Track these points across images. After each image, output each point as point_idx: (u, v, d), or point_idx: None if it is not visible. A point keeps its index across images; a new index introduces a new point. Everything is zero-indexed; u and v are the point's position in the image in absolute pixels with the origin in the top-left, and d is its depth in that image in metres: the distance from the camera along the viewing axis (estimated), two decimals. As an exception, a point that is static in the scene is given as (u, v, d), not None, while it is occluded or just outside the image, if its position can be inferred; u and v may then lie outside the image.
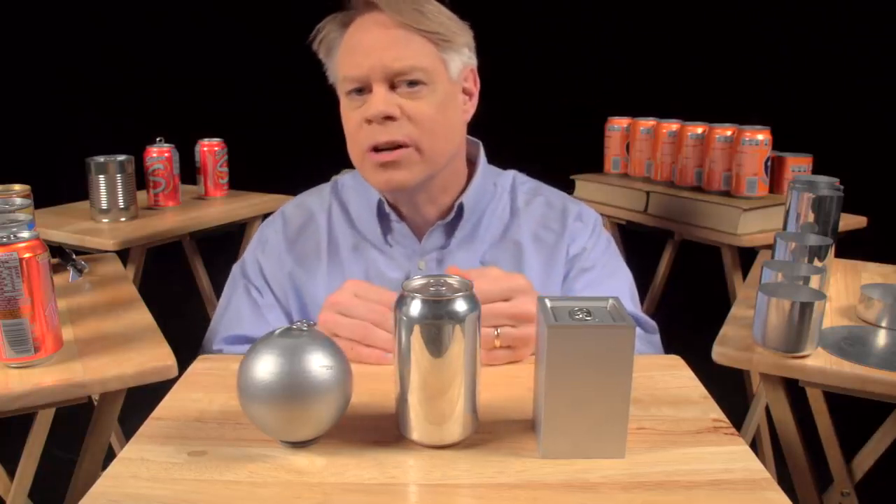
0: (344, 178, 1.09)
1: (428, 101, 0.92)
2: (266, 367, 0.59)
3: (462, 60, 0.96)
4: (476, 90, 1.01)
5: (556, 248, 1.01)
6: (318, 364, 0.59)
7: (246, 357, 0.61)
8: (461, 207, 0.99)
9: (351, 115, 0.94)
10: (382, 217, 1.00)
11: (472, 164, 1.04)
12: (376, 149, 0.91)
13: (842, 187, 1.15)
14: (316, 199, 1.07)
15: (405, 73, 0.90)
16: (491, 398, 0.67)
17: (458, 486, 0.57)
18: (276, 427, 0.61)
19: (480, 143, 1.06)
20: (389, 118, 0.90)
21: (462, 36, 0.96)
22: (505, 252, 1.00)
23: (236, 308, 1.01)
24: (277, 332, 0.61)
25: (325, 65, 0.99)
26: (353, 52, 0.92)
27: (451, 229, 1.00)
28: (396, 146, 0.91)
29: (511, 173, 1.09)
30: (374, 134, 0.91)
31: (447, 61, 0.94)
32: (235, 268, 1.05)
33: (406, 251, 1.00)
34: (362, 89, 0.92)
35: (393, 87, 0.91)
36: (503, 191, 1.05)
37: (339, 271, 1.00)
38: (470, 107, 1.00)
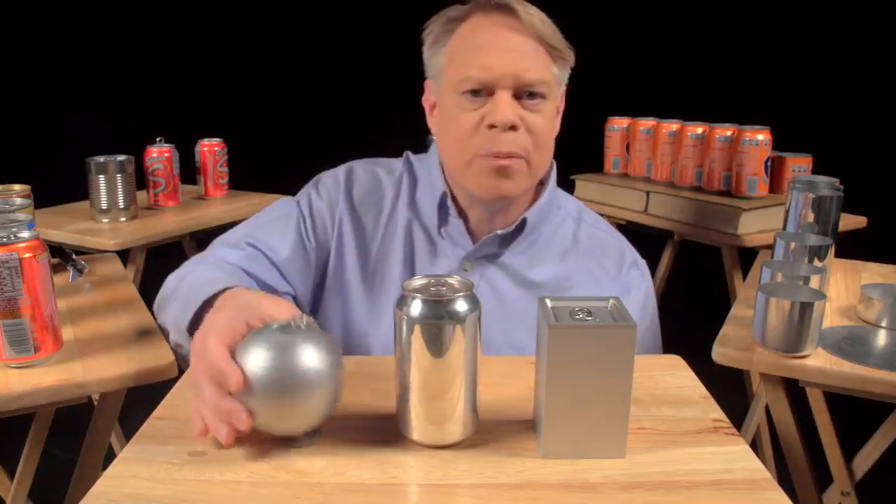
0: (414, 157, 1.05)
1: (544, 116, 0.91)
2: (256, 360, 0.59)
3: (565, 79, 0.96)
4: (562, 107, 0.99)
5: (608, 291, 0.98)
6: (309, 360, 0.60)
7: (238, 348, 0.61)
8: (524, 221, 0.96)
9: (465, 115, 0.91)
10: (442, 209, 0.98)
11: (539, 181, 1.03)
12: (495, 154, 0.90)
13: (842, 187, 1.15)
14: (384, 170, 1.03)
15: (532, 85, 0.89)
16: (491, 398, 0.67)
17: (458, 486, 0.57)
18: (265, 419, 0.61)
19: (553, 162, 1.03)
20: (513, 128, 0.89)
21: (572, 56, 0.95)
22: (557, 279, 0.98)
23: (282, 230, 0.97)
24: (275, 325, 0.62)
25: (425, 56, 0.97)
26: (480, 51, 0.89)
27: (507, 240, 0.97)
28: (511, 155, 0.90)
29: (575, 200, 1.07)
30: (495, 141, 0.89)
31: (557, 79, 0.93)
32: (291, 201, 1.01)
33: (456, 249, 0.97)
34: (480, 91, 0.89)
35: (516, 96, 0.89)
36: (567, 215, 1.03)
37: (388, 249, 0.97)
38: (558, 123, 0.99)
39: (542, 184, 1.02)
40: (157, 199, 1.74)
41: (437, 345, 0.58)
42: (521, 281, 0.97)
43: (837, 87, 2.61)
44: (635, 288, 0.99)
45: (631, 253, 1.03)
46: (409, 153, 1.06)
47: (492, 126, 0.89)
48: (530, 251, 0.98)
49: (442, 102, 0.95)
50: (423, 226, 0.99)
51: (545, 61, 0.91)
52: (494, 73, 0.88)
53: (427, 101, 1.01)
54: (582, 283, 0.98)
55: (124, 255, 1.48)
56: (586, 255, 1.00)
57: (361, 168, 1.04)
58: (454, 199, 0.98)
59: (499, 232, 0.96)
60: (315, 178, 1.04)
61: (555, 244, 1.00)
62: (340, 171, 1.04)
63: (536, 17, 0.90)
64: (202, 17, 2.87)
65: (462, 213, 0.98)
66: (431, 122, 1.00)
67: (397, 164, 1.04)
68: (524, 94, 0.89)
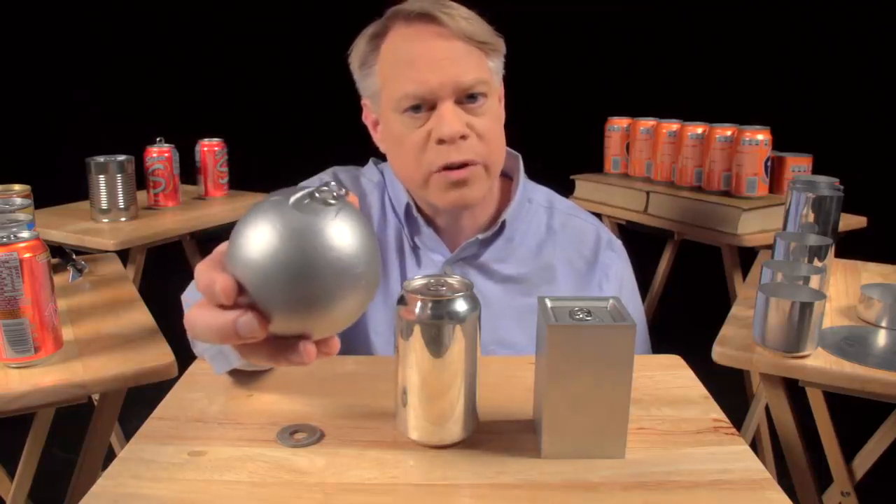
0: (382, 165, 1.04)
1: (489, 115, 0.89)
2: (258, 240, 0.44)
3: (501, 69, 0.95)
4: (503, 92, 0.98)
5: (587, 276, 0.99)
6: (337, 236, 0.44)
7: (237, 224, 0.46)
8: (503, 223, 0.96)
9: (411, 134, 0.88)
10: (409, 219, 0.97)
11: (506, 176, 1.02)
12: (448, 167, 0.88)
13: (842, 187, 1.15)
14: (366, 179, 1.02)
15: (473, 87, 0.87)
16: (491, 398, 0.67)
17: (458, 486, 0.57)
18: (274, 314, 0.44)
19: (519, 157, 1.01)
20: (462, 137, 0.87)
21: (502, 44, 0.93)
22: (536, 271, 0.98)
23: None
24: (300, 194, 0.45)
25: (356, 78, 0.96)
26: (412, 66, 0.86)
27: (487, 242, 0.97)
28: (465, 163, 0.88)
29: (545, 190, 1.06)
30: (446, 154, 0.87)
31: (494, 71, 0.92)
32: None
33: (434, 255, 0.97)
34: (421, 106, 0.87)
35: (458, 101, 0.87)
36: (538, 207, 1.02)
37: (385, 251, 0.96)
38: (502, 110, 0.97)
39: (510, 178, 1.01)
40: (157, 199, 1.74)
41: (436, 345, 0.58)
42: (501, 279, 0.97)
43: (837, 87, 2.61)
44: (612, 269, 0.99)
45: (606, 234, 1.03)
46: (374, 159, 1.05)
47: (441, 141, 0.87)
48: (507, 248, 0.98)
49: (385, 122, 0.93)
50: (405, 233, 0.99)
51: (479, 59, 0.89)
52: (431, 85, 0.85)
53: (368, 119, 0.99)
54: (563, 273, 0.98)
55: (124, 255, 1.48)
56: (564, 245, 1.00)
57: (346, 175, 1.03)
58: (419, 208, 0.97)
59: (479, 236, 0.96)
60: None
61: (529, 238, 0.99)
62: (326, 176, 1.03)
63: (459, 16, 0.87)
64: (202, 17, 2.87)
65: (431, 221, 0.97)
66: (377, 139, 0.99)
67: (372, 171, 1.04)
68: (465, 98, 0.87)
